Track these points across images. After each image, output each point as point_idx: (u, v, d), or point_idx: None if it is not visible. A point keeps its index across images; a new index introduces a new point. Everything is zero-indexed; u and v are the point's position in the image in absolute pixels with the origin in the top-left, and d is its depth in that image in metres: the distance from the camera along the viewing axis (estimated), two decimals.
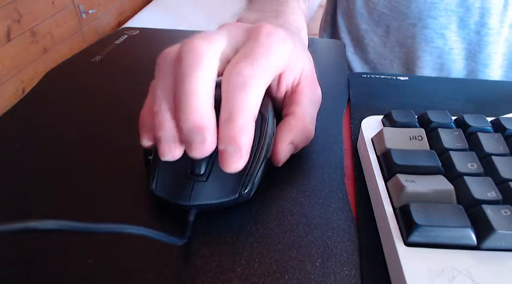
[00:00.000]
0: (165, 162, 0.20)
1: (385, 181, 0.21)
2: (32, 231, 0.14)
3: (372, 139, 0.24)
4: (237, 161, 0.19)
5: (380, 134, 0.23)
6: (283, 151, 0.23)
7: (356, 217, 0.21)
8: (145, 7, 1.91)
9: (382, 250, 0.19)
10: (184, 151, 0.19)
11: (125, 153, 0.25)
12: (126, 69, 0.36)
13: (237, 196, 0.20)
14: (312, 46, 0.28)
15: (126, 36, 0.43)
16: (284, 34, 0.22)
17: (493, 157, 0.20)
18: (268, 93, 0.25)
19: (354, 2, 0.53)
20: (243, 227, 0.20)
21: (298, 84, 0.25)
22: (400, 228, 0.18)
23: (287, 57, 0.22)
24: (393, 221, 0.18)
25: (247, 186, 0.20)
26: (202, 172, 0.20)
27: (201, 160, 0.20)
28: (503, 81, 0.50)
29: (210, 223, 0.21)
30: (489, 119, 0.24)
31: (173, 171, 0.20)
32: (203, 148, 0.19)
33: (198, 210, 0.20)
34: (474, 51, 0.49)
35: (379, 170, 0.22)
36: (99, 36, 1.66)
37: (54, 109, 0.30)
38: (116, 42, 0.41)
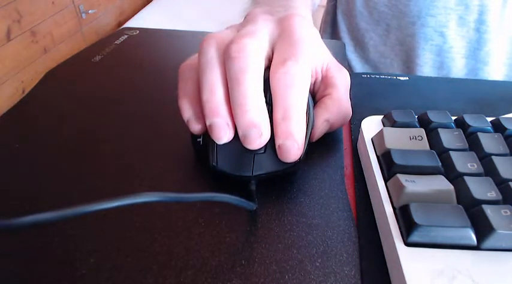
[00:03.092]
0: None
1: (385, 181, 0.21)
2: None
3: (372, 139, 0.24)
4: (295, 153, 0.21)
5: (380, 134, 0.23)
6: (318, 128, 0.24)
7: (356, 217, 0.21)
8: (145, 7, 1.91)
9: (382, 250, 0.19)
10: None
11: (125, 152, 0.25)
12: (126, 69, 0.36)
13: (293, 163, 0.22)
14: None
15: (126, 36, 0.43)
16: (311, 26, 0.24)
17: (493, 157, 0.20)
18: None
19: (354, 1, 0.53)
20: (243, 227, 0.20)
21: (327, 69, 0.26)
22: (400, 228, 0.18)
23: (317, 47, 0.25)
24: (393, 221, 0.18)
25: (301, 154, 0.22)
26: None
27: None
28: (503, 81, 0.50)
29: (210, 223, 0.21)
30: (489, 119, 0.24)
31: (231, 147, 0.22)
32: (259, 142, 0.21)
33: (258, 180, 0.22)
34: (474, 49, 0.49)
35: (379, 170, 0.22)
36: (99, 36, 1.66)
37: (54, 109, 0.30)
38: (116, 42, 0.41)
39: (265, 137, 0.21)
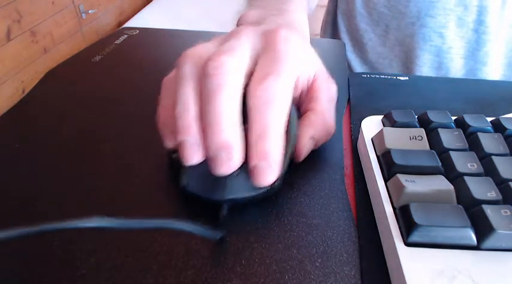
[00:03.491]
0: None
1: (385, 181, 0.21)
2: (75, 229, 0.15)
3: (372, 139, 0.24)
4: (269, 176, 0.19)
5: (380, 134, 0.23)
6: (304, 146, 0.23)
7: (356, 217, 0.21)
8: (145, 7, 1.91)
9: (382, 250, 0.19)
10: None
11: (125, 152, 0.25)
12: (126, 69, 0.36)
13: (268, 188, 0.21)
14: (312, 46, 0.28)
15: (126, 36, 0.43)
16: (298, 38, 0.23)
17: (493, 157, 0.20)
18: None
19: (354, 2, 0.53)
20: (243, 227, 0.20)
21: (313, 81, 0.25)
22: (400, 228, 0.18)
23: (301, 62, 0.23)
24: (393, 221, 0.18)
25: (277, 179, 0.21)
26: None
27: None
28: (503, 81, 0.50)
29: (209, 223, 0.21)
30: (489, 119, 0.24)
31: (204, 168, 0.21)
32: (229, 166, 0.19)
33: (230, 204, 0.21)
34: (473, 50, 0.49)
35: (379, 170, 0.22)
36: (99, 36, 1.66)
37: (54, 109, 0.30)
38: (116, 42, 0.41)
39: (236, 161, 0.19)
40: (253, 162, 0.19)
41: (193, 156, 0.20)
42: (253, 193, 0.21)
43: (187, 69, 0.21)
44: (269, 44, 0.22)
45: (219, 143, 0.19)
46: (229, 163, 0.19)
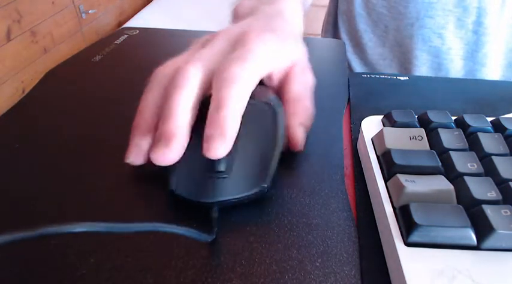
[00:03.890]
0: (183, 162, 0.20)
1: (385, 181, 0.21)
2: (62, 234, 0.15)
3: (372, 139, 0.24)
4: (220, 146, 0.19)
5: (380, 134, 0.23)
6: (298, 134, 0.24)
7: (356, 217, 0.21)
8: (145, 7, 1.91)
9: (382, 250, 0.19)
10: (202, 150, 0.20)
11: (125, 152, 0.25)
12: (126, 69, 0.36)
13: (258, 189, 0.21)
14: (312, 46, 0.28)
15: (126, 36, 0.43)
16: (270, 37, 0.24)
17: (493, 157, 0.20)
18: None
19: (353, 2, 0.53)
20: (243, 227, 0.20)
21: (289, 72, 0.26)
22: (400, 228, 0.18)
23: (274, 58, 0.24)
24: (393, 221, 0.18)
25: (266, 178, 0.21)
26: (223, 168, 0.21)
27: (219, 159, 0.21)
28: (503, 81, 0.50)
29: (209, 223, 0.21)
30: (489, 119, 0.24)
31: (192, 170, 0.21)
32: (164, 153, 0.20)
33: (220, 206, 0.20)
34: (472, 51, 0.49)
35: (379, 170, 0.22)
36: (99, 36, 1.66)
37: (54, 109, 0.30)
38: (116, 42, 0.41)
39: (173, 152, 0.20)
40: (207, 131, 0.20)
41: (134, 156, 0.21)
42: (243, 194, 0.21)
43: (156, 78, 0.23)
44: (239, 43, 0.23)
45: (162, 131, 0.20)
46: (165, 151, 0.20)
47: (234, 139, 0.20)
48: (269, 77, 0.26)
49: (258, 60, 0.22)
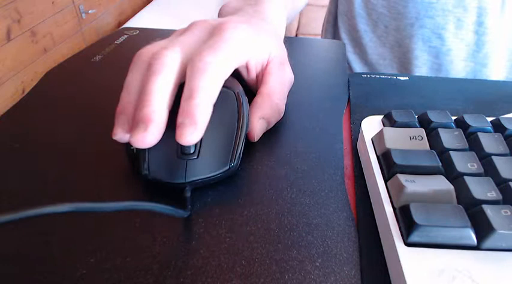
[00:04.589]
0: (153, 146, 0.21)
1: (385, 181, 0.21)
2: (46, 215, 0.15)
3: (372, 139, 0.24)
4: (191, 133, 0.20)
5: (380, 134, 0.23)
6: (256, 126, 0.25)
7: (356, 217, 0.21)
8: (145, 7, 1.91)
9: (382, 250, 0.19)
10: (172, 133, 0.21)
11: (125, 152, 0.25)
12: (126, 69, 0.36)
13: (227, 168, 0.22)
14: (312, 46, 0.28)
15: (126, 36, 0.43)
16: (245, 27, 0.25)
17: (493, 157, 0.20)
18: (241, 77, 0.28)
19: (353, 2, 0.53)
20: (243, 227, 0.20)
21: (266, 67, 0.27)
22: (400, 228, 0.18)
23: (248, 48, 0.25)
24: (393, 221, 0.18)
25: (234, 159, 0.22)
26: (192, 151, 0.22)
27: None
28: (503, 81, 0.49)
29: (210, 223, 0.21)
30: (489, 119, 0.24)
31: (162, 154, 0.22)
32: (143, 137, 0.20)
33: (193, 186, 0.22)
34: (472, 51, 0.49)
35: (379, 170, 0.22)
36: (99, 36, 1.66)
37: (54, 109, 0.30)
38: (116, 42, 0.41)
39: (151, 136, 0.20)
40: (179, 119, 0.20)
41: (118, 132, 0.22)
42: (213, 173, 0.22)
43: (137, 63, 0.23)
44: (215, 33, 0.24)
45: (140, 115, 0.20)
46: (143, 135, 0.20)
47: (205, 127, 0.21)
48: (246, 68, 0.27)
49: (231, 49, 0.23)
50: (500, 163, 0.20)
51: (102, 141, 0.27)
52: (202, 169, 0.22)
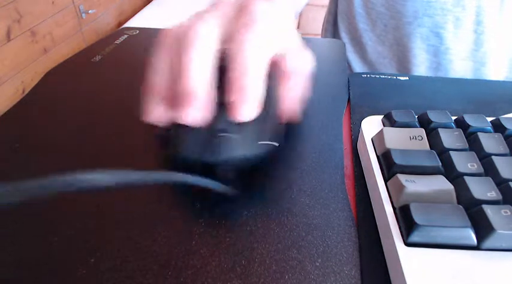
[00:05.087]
0: (186, 128, 0.20)
1: (385, 181, 0.21)
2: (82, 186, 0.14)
3: (372, 139, 0.24)
4: (248, 109, 0.20)
5: (380, 134, 0.23)
6: (293, 105, 0.25)
7: (356, 217, 0.21)
8: (145, 7, 1.91)
9: (382, 250, 0.19)
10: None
11: (125, 152, 0.25)
12: (126, 69, 0.36)
13: (268, 146, 0.21)
14: (312, 46, 0.28)
15: (126, 36, 0.43)
16: (268, 5, 0.23)
17: (493, 157, 0.20)
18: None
19: (353, 1, 0.53)
20: (243, 227, 0.20)
21: (286, 55, 0.25)
22: (400, 228, 0.18)
23: (279, 30, 0.24)
24: (393, 221, 0.18)
25: (276, 137, 0.22)
26: (230, 129, 0.21)
27: (223, 118, 0.21)
28: (503, 81, 0.50)
29: (209, 223, 0.21)
30: (489, 119, 0.24)
31: (198, 134, 0.21)
32: (191, 113, 0.19)
33: (230, 165, 0.21)
34: (471, 50, 0.49)
35: (379, 170, 0.22)
36: (99, 36, 1.66)
37: (54, 109, 0.30)
38: (116, 42, 0.41)
39: (198, 109, 0.19)
40: (232, 97, 0.20)
41: (151, 111, 0.21)
42: (251, 152, 0.21)
43: (165, 41, 0.22)
44: (242, 11, 0.23)
45: (182, 91, 0.19)
46: (191, 110, 0.19)
47: (260, 101, 0.20)
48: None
49: (265, 27, 0.22)
50: (500, 163, 0.20)
51: (102, 140, 0.27)
52: (239, 148, 0.21)
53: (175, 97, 0.20)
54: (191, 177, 0.18)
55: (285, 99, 0.24)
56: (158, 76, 0.21)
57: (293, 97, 0.25)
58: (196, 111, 0.19)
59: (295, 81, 0.25)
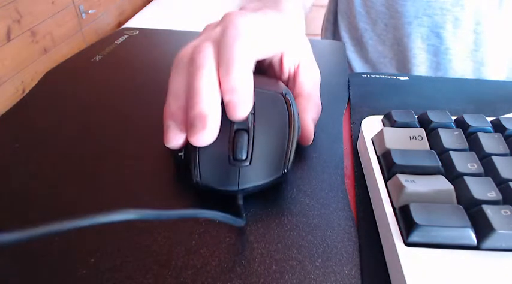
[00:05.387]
0: (204, 153, 0.21)
1: (385, 181, 0.21)
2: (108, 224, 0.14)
3: (372, 139, 0.24)
4: (241, 109, 0.20)
5: (380, 134, 0.23)
6: (311, 129, 0.25)
7: (356, 217, 0.21)
8: (145, 7, 1.91)
9: (382, 250, 0.19)
10: (222, 139, 0.20)
11: (124, 153, 0.25)
12: (126, 69, 0.36)
13: (281, 174, 0.21)
14: (312, 47, 0.28)
15: (126, 36, 0.43)
16: (254, 15, 0.24)
17: (493, 157, 0.20)
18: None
19: (353, 1, 0.53)
20: (243, 227, 0.20)
21: (298, 66, 0.27)
22: (400, 228, 0.18)
23: (289, 40, 0.25)
24: (393, 221, 0.18)
25: (288, 164, 0.22)
26: (245, 157, 0.21)
27: (242, 145, 0.21)
28: (503, 81, 0.50)
29: (209, 223, 0.21)
30: (489, 119, 0.24)
31: (214, 160, 0.21)
32: (203, 134, 0.20)
33: (245, 193, 0.21)
34: (471, 50, 0.49)
35: (379, 170, 0.22)
36: (99, 36, 1.66)
37: (54, 109, 0.30)
38: (116, 42, 0.41)
39: (211, 131, 0.20)
40: (225, 98, 0.20)
41: (173, 138, 0.21)
42: (267, 180, 0.21)
43: (178, 63, 0.22)
44: (225, 24, 0.23)
45: (194, 114, 0.20)
46: (203, 132, 0.19)
47: (252, 96, 0.20)
48: (280, 65, 0.26)
49: (248, 29, 0.22)
50: (500, 163, 0.20)
51: (102, 140, 0.27)
52: (256, 176, 0.21)
53: (189, 120, 0.20)
54: (208, 212, 0.18)
55: (302, 122, 0.24)
56: (173, 103, 0.21)
57: (309, 119, 0.25)
58: (208, 132, 0.20)
59: (310, 103, 0.26)
